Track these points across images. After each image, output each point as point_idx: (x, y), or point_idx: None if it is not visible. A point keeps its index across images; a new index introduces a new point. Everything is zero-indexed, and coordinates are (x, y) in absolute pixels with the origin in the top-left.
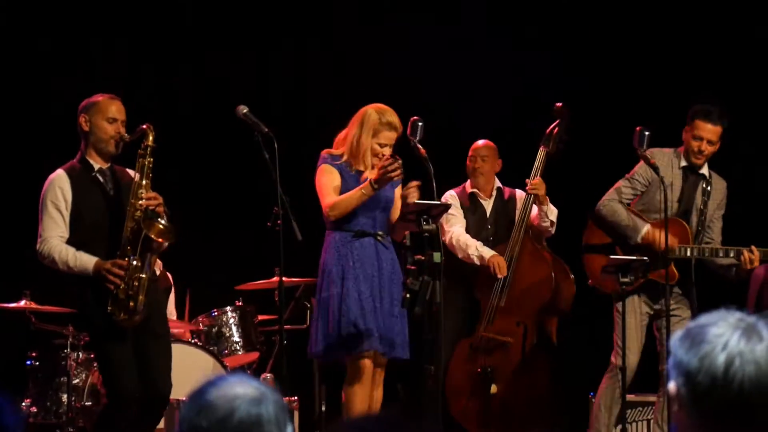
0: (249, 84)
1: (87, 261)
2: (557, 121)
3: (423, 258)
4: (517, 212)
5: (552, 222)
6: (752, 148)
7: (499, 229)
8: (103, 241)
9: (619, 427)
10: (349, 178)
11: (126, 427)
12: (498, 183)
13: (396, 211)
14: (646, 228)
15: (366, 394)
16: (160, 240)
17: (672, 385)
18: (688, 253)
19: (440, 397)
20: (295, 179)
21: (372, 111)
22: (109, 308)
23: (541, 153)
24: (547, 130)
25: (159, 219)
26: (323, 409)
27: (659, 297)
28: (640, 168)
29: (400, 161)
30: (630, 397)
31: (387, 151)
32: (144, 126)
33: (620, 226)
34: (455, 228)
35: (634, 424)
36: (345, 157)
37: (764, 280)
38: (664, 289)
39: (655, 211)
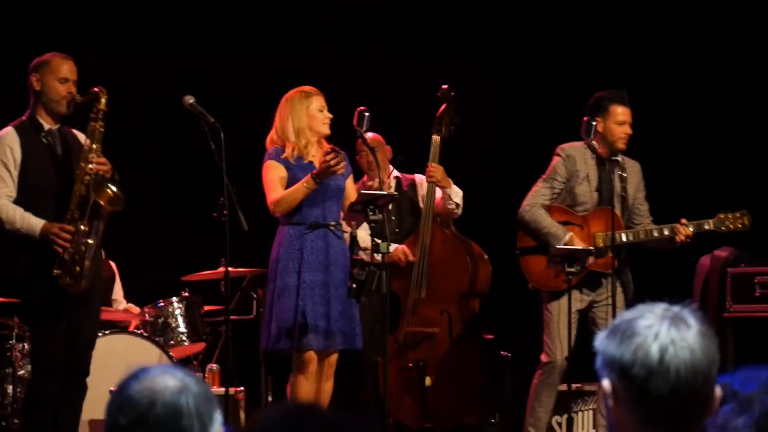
0: (195, 74)
1: (35, 223)
2: (444, 105)
3: (369, 248)
4: (420, 199)
5: (457, 204)
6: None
7: (403, 217)
8: (50, 203)
9: (565, 416)
10: (296, 168)
11: (51, 402)
12: (395, 172)
13: (347, 202)
14: (568, 236)
15: (312, 386)
16: (109, 208)
17: (605, 383)
18: (624, 239)
19: (386, 386)
20: (242, 169)
21: (290, 94)
22: (54, 271)
23: (434, 140)
24: (437, 115)
25: (109, 185)
26: (269, 399)
27: (595, 288)
28: (556, 165)
29: (342, 154)
30: (576, 386)
31: (327, 114)
32: (96, 89)
33: (542, 233)
34: (359, 232)
35: (580, 414)
36: (288, 150)
37: (710, 270)
38: (599, 280)
39: (579, 204)
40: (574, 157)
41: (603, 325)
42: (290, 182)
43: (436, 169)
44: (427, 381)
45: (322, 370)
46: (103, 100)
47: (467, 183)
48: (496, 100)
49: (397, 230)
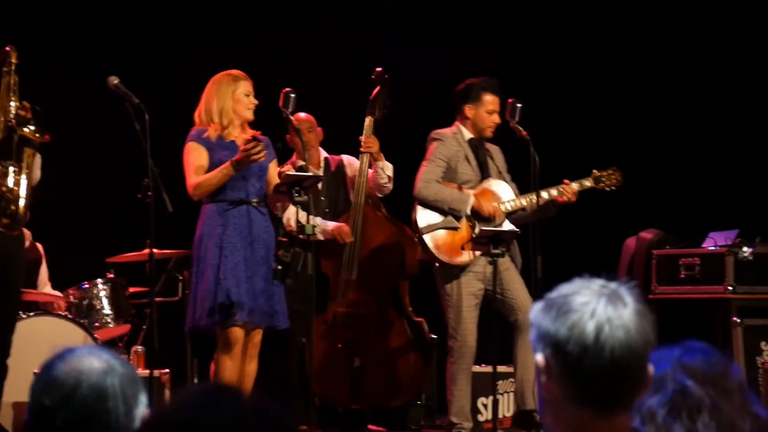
0: (120, 54)
1: None
2: (378, 87)
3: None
4: (348, 180)
5: (389, 177)
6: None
7: (333, 198)
8: None
9: (491, 398)
10: (218, 148)
11: None
12: (324, 153)
13: (269, 187)
14: (471, 198)
15: (236, 366)
16: (36, 139)
17: (539, 357)
18: (517, 204)
19: (311, 367)
20: (167, 150)
21: (218, 76)
22: None
23: (367, 121)
24: (371, 97)
25: (29, 125)
26: (195, 382)
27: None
28: (436, 147)
29: (262, 143)
30: (501, 368)
31: (253, 100)
32: (7, 47)
33: (446, 202)
34: (291, 208)
35: (506, 395)
36: (211, 130)
37: (635, 252)
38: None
39: (464, 182)
40: (450, 140)
41: (499, 300)
42: (212, 162)
43: (373, 142)
44: (356, 362)
45: (246, 350)
46: (14, 56)
47: (399, 166)
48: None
49: (327, 210)
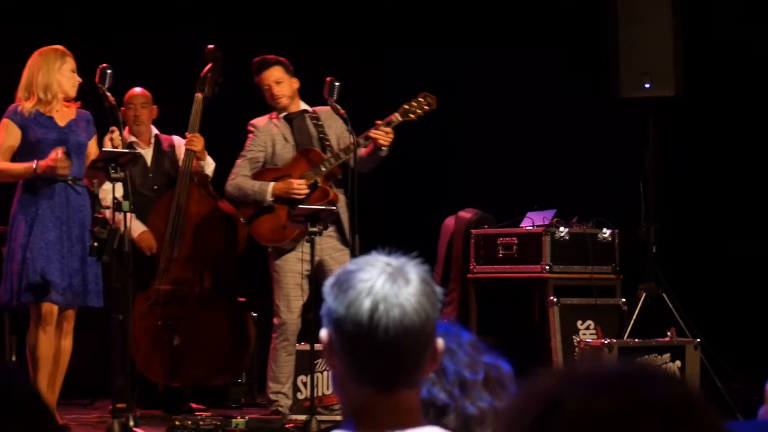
0: None
1: None
2: (210, 65)
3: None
4: (179, 160)
5: (207, 176)
6: None
7: (161, 177)
8: None
9: (309, 376)
10: (33, 123)
11: None
12: (155, 131)
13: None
14: (270, 185)
15: (51, 342)
16: None
17: (323, 333)
18: (329, 164)
19: (128, 345)
20: None
21: (44, 50)
22: None
23: (197, 98)
24: (201, 74)
25: None
26: (14, 359)
27: (318, 247)
28: (251, 141)
29: (69, 162)
30: (319, 346)
31: (77, 77)
32: None
33: (248, 196)
34: (107, 185)
35: (325, 373)
36: (28, 104)
37: (454, 231)
38: (316, 239)
39: (284, 162)
40: (264, 128)
41: (321, 281)
42: (25, 141)
43: (198, 140)
44: (176, 340)
45: (60, 327)
46: None
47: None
48: None
49: (155, 187)
